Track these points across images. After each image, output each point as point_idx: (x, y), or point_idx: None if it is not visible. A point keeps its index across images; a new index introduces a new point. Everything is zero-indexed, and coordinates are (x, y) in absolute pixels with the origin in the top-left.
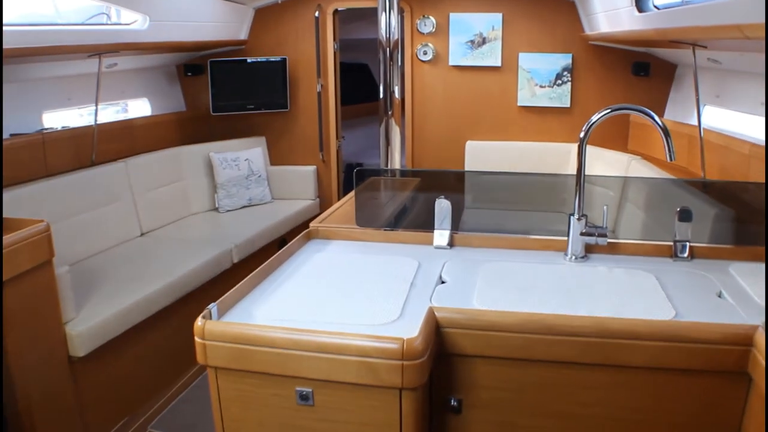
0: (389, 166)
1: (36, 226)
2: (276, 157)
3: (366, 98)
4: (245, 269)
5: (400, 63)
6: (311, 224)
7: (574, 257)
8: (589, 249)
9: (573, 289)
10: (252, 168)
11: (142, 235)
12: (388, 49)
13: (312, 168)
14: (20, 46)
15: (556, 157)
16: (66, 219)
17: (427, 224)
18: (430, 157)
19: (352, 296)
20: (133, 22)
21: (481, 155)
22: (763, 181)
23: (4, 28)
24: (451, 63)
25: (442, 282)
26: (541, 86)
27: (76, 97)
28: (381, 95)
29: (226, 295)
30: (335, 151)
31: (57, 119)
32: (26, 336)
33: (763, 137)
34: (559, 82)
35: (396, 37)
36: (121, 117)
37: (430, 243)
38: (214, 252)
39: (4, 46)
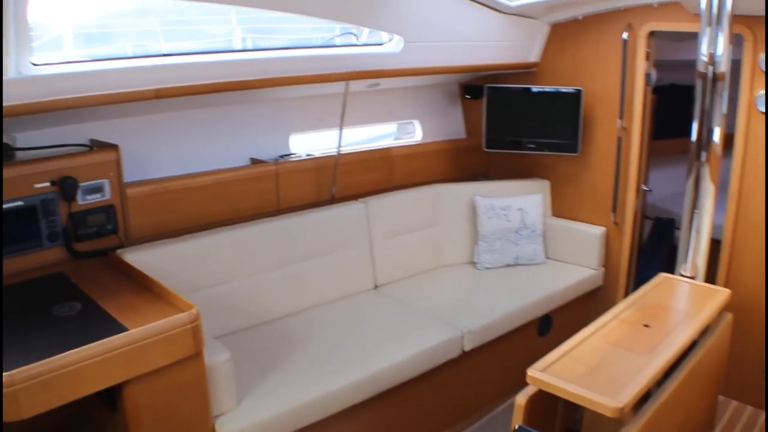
0: (692, 237)
1: (178, 317)
2: (556, 208)
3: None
4: (479, 358)
5: (724, 101)
6: None
7: None
8: None
9: None
10: (525, 220)
11: (375, 288)
12: (708, 77)
13: (600, 230)
14: (246, 79)
15: None
16: (285, 266)
17: None
18: (755, 252)
19: None
20: (387, 42)
21: None
22: None
23: (249, 55)
24: None
25: None
26: None
27: (329, 119)
28: (694, 135)
29: None
30: (632, 212)
31: (307, 143)
32: None
33: None
34: None
35: (722, 69)
36: (402, 143)
37: None
38: (439, 337)
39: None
